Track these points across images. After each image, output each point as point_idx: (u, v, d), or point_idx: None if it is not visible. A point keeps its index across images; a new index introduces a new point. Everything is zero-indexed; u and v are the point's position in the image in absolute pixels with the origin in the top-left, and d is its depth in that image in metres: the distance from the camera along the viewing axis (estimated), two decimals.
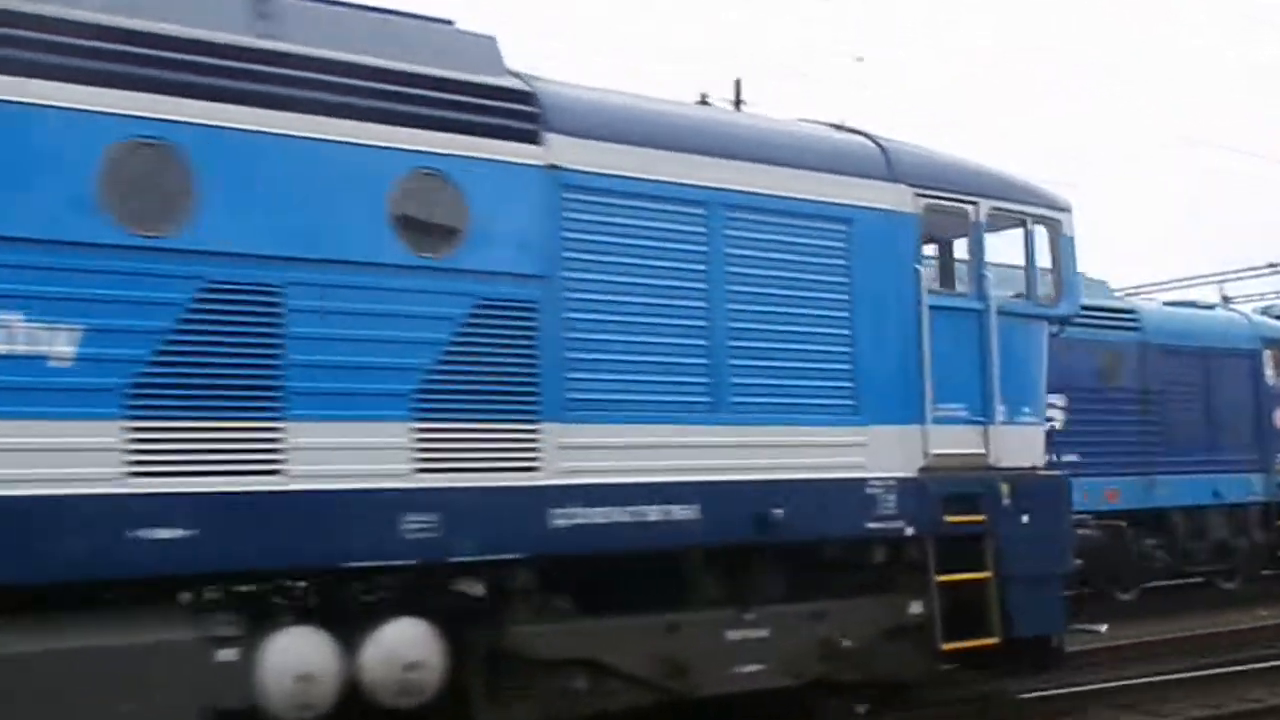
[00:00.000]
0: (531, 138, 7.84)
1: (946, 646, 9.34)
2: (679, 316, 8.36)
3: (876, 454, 9.11)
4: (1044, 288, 10.47)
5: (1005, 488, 9.72)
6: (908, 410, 9.28)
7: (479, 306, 7.56)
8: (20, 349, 6.18)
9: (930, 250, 10.12)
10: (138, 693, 6.41)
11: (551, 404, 7.75)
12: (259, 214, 6.87)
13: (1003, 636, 9.53)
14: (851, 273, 9.16)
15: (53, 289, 6.26)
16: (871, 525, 9.06)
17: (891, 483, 9.14)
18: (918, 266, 9.43)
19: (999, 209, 10.03)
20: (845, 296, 9.11)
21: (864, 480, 9.03)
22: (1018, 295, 10.28)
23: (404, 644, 7.24)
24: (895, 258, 9.35)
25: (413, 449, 7.26)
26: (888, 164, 9.48)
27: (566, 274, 7.88)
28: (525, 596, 7.84)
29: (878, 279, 9.26)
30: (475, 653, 7.63)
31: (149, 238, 6.54)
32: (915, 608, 9.38)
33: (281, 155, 6.95)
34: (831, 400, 8.99)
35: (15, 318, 6.17)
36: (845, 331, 9.10)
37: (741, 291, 8.63)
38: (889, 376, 9.24)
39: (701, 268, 8.48)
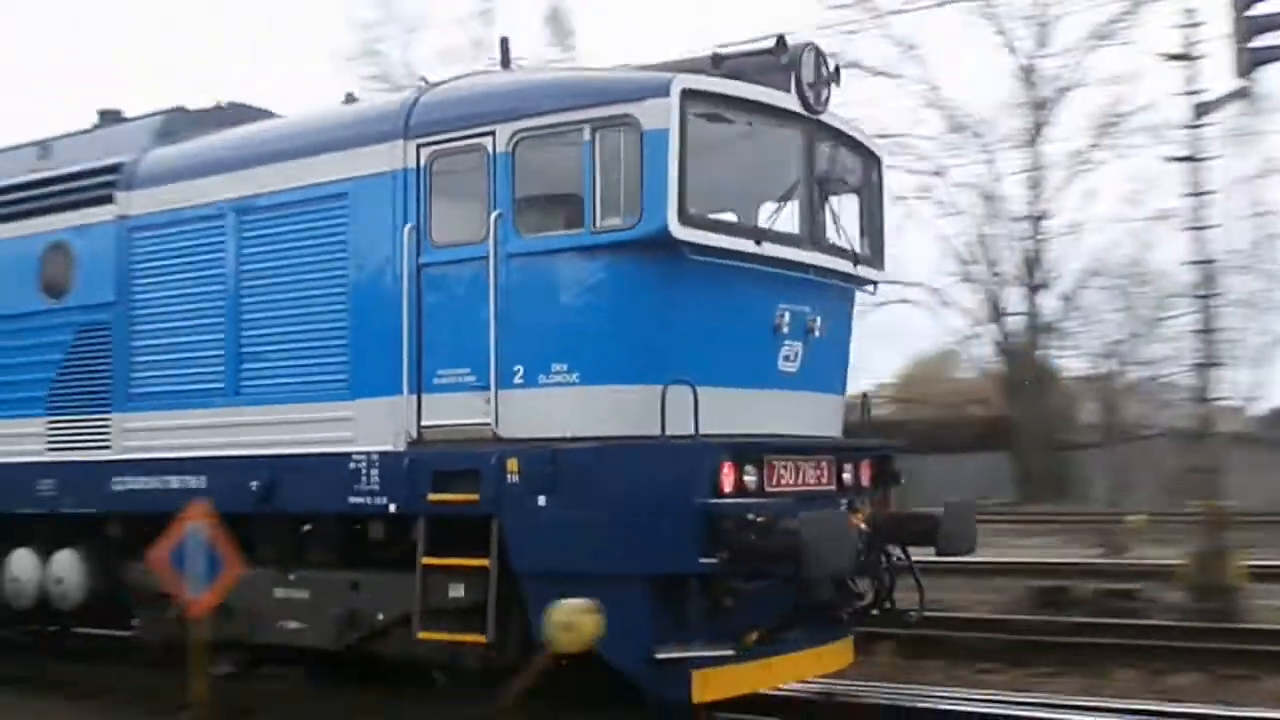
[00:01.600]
0: (107, 199, 10.41)
1: (421, 634, 8.49)
2: (207, 317, 9.81)
3: (364, 427, 8.92)
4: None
5: (512, 462, 8.20)
6: (395, 381, 8.74)
7: (79, 331, 10.54)
8: None
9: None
10: None
11: (120, 397, 10.25)
12: None
13: (495, 638, 8.20)
14: (349, 249, 9.09)
15: None
16: (355, 501, 8.92)
17: (375, 457, 8.82)
18: (408, 224, 8.70)
19: (533, 128, 8.29)
20: (343, 275, 9.11)
21: (348, 455, 8.94)
22: (565, 228, 8.25)
23: (58, 566, 10.69)
24: (384, 222, 8.85)
25: (44, 435, 10.70)
26: (405, 121, 8.90)
27: (132, 295, 10.24)
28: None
29: (371, 250, 8.97)
30: (115, 576, 10.53)
31: None
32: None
33: None
34: (325, 378, 9.15)
35: None
36: (341, 309, 9.11)
37: (254, 286, 9.59)
38: (379, 347, 8.86)
39: (223, 271, 9.74)
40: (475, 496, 8.34)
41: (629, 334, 8.11)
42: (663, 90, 7.95)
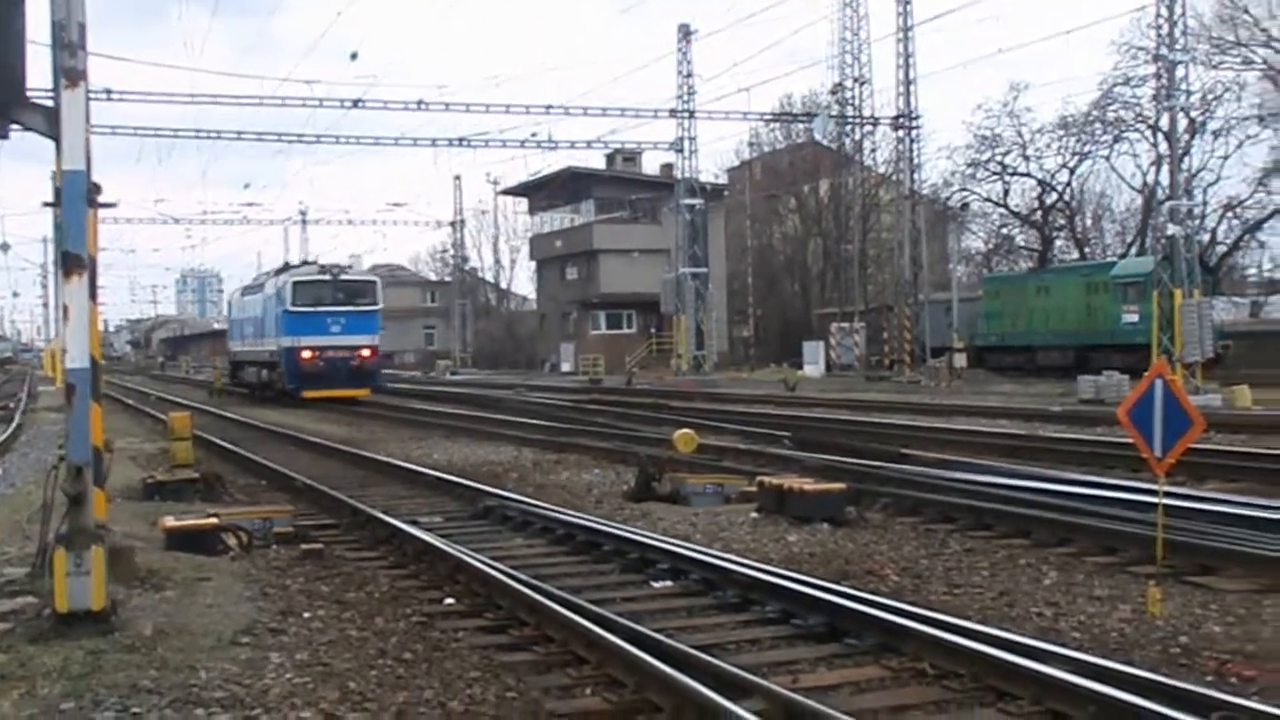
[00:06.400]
0: (261, 289, 46.63)
1: (280, 386, 43.70)
2: (262, 319, 45.53)
3: (275, 346, 44.00)
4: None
5: (286, 355, 42.99)
6: (276, 336, 43.72)
7: (261, 321, 46.96)
8: None
9: None
10: None
11: (272, 336, 46.46)
12: None
13: (291, 391, 43.17)
14: (274, 305, 44.24)
15: None
16: (274, 359, 44.20)
17: (274, 350, 43.99)
18: (279, 302, 43.62)
19: (295, 281, 43.01)
20: (273, 311, 44.30)
21: (272, 350, 44.16)
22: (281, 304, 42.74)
23: (265, 373, 47.23)
24: (276, 300, 43.81)
25: (260, 344, 47.35)
26: (278, 275, 43.77)
27: (264, 314, 46.30)
28: None
29: (275, 306, 43.98)
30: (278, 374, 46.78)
31: None
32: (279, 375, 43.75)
33: None
34: (270, 334, 44.39)
35: None
36: (273, 319, 44.31)
37: (266, 309, 45.06)
38: (274, 329, 43.84)
39: (264, 306, 45.38)
40: (280, 360, 43.25)
41: (288, 327, 42.46)
42: (290, 281, 42.18)
